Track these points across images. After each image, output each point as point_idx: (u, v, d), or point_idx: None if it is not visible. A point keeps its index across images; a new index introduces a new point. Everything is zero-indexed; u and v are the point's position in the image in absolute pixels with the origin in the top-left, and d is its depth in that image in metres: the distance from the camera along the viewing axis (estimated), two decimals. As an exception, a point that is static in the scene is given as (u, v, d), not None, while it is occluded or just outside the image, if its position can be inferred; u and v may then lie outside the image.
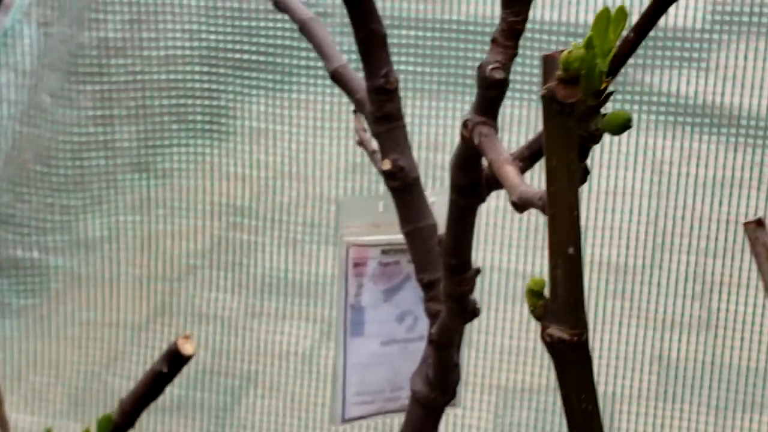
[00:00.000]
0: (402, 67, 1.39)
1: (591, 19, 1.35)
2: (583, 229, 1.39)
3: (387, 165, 0.87)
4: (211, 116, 1.44)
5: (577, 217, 0.43)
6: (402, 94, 1.39)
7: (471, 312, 0.81)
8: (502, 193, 1.47)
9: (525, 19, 0.64)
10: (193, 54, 1.40)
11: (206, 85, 1.42)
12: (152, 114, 1.43)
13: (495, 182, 0.72)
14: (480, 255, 1.44)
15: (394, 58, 1.38)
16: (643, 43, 1.29)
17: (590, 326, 1.42)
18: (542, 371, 1.45)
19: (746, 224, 0.42)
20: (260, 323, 1.51)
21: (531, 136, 0.76)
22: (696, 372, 1.40)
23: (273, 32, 1.38)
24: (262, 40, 1.38)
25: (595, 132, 0.48)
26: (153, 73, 1.41)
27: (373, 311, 0.93)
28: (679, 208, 1.37)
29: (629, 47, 0.65)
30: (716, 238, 1.36)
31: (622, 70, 1.30)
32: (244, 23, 1.38)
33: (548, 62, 0.43)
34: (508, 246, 1.44)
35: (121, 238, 1.50)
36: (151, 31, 1.39)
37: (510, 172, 0.61)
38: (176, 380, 1.53)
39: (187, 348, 0.96)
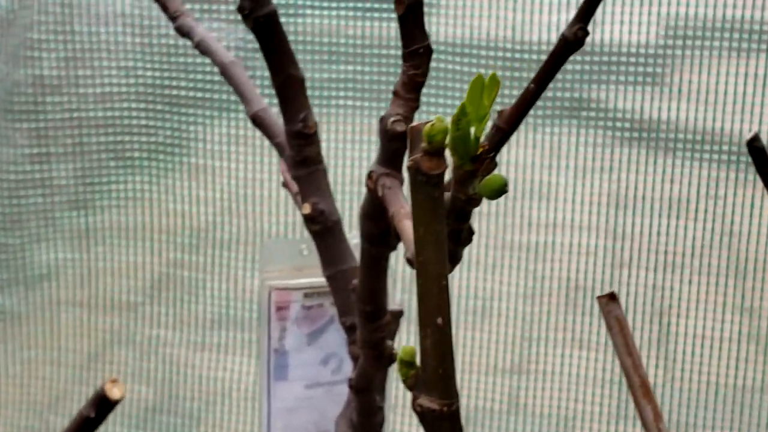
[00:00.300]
0: (341, 102, 1.39)
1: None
2: (539, 249, 1.40)
3: (307, 209, 0.87)
4: (149, 153, 1.43)
5: (446, 287, 0.43)
6: (341, 128, 1.40)
7: (388, 357, 0.80)
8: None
9: (425, 72, 0.65)
10: (129, 91, 1.40)
11: (143, 122, 1.41)
12: (89, 151, 1.42)
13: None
14: None
15: (333, 93, 1.38)
16: (598, 61, 1.30)
17: (546, 349, 1.40)
18: (495, 396, 1.45)
19: (599, 298, 0.42)
20: (203, 360, 1.50)
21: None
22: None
23: (210, 68, 1.37)
24: (199, 76, 1.38)
25: (474, 196, 0.48)
26: (89, 110, 1.40)
27: (296, 355, 0.92)
28: (636, 227, 1.37)
29: (531, 97, 0.65)
30: (674, 258, 1.37)
31: (583, 95, 1.31)
32: (180, 59, 1.38)
33: (414, 134, 0.42)
34: (469, 265, 1.44)
35: (61, 276, 1.49)
36: (87, 68, 1.38)
37: (408, 227, 0.61)
38: (119, 419, 1.52)
39: (114, 392, 0.95)
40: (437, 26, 1.35)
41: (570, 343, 1.43)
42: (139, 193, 1.45)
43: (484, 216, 1.41)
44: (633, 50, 1.31)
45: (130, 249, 1.48)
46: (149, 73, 1.39)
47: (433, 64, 1.32)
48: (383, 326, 0.77)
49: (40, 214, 1.44)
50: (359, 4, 1.35)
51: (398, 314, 0.87)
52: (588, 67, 1.32)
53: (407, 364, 0.44)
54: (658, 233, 1.37)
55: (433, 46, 1.33)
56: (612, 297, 0.42)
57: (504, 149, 1.35)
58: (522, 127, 1.34)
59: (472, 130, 0.47)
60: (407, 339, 1.47)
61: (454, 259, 0.55)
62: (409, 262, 0.59)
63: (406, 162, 0.44)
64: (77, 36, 1.37)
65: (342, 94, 1.39)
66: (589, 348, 1.43)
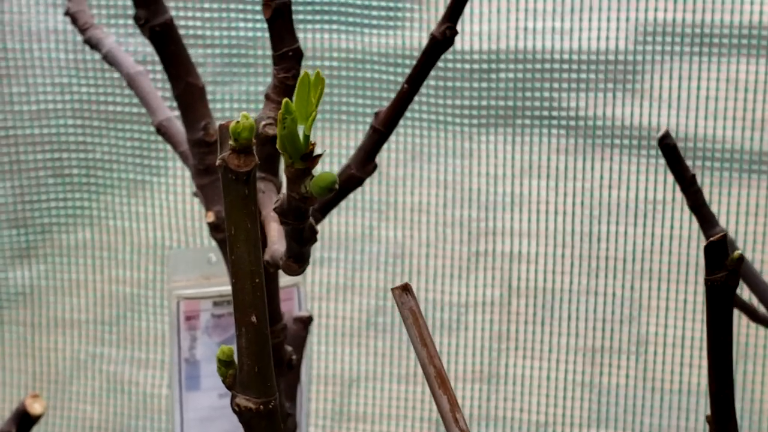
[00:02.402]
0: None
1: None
2: (511, 257, 1.39)
3: (210, 217, 0.87)
4: (87, 169, 1.43)
5: (260, 285, 0.43)
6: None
7: (287, 363, 0.80)
8: (436, 222, 1.44)
9: (296, 75, 0.65)
10: (65, 108, 1.39)
11: (80, 138, 1.41)
12: (27, 169, 1.42)
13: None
14: (414, 285, 1.44)
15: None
16: (571, 67, 1.30)
17: (527, 350, 1.40)
18: (481, 394, 1.45)
19: (393, 290, 0.42)
20: (146, 377, 1.49)
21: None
22: (629, 397, 1.40)
23: (144, 84, 1.37)
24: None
25: (306, 194, 0.47)
26: (26, 127, 1.40)
27: (208, 364, 0.92)
28: (610, 232, 1.37)
29: (404, 98, 0.66)
30: (649, 261, 1.37)
31: (555, 95, 1.32)
32: (115, 75, 1.37)
33: (222, 132, 0.42)
34: (440, 275, 1.43)
35: (2, 296, 1.48)
36: (21, 85, 1.38)
37: (273, 230, 0.61)
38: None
39: (35, 407, 0.95)
40: (410, 35, 1.35)
41: (541, 349, 1.42)
42: (78, 210, 1.45)
43: (456, 223, 1.41)
44: (606, 57, 1.31)
45: (72, 267, 1.47)
46: (84, 89, 1.39)
47: (399, 69, 1.32)
48: (278, 332, 0.77)
49: (-22, 233, 1.43)
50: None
51: (306, 320, 0.87)
52: (563, 75, 1.32)
53: (225, 364, 0.44)
54: (629, 236, 1.37)
55: (407, 52, 1.31)
56: (405, 288, 0.42)
57: (477, 158, 1.37)
58: (493, 135, 1.35)
59: (301, 128, 0.47)
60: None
61: (301, 258, 0.54)
62: (267, 264, 0.59)
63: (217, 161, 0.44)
64: (10, 53, 1.37)
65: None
66: (559, 352, 1.42)
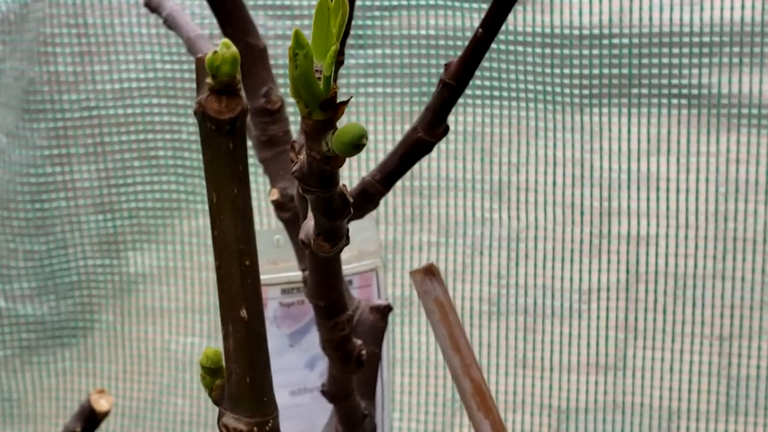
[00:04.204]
0: (370, 89, 1.29)
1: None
2: (644, 237, 1.29)
3: (275, 195, 0.78)
4: (174, 151, 1.35)
5: (252, 269, 0.32)
6: (371, 118, 1.30)
7: (357, 360, 0.70)
8: (545, 202, 1.33)
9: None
10: (149, 86, 1.32)
11: (166, 118, 1.34)
12: (112, 151, 1.35)
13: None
14: (530, 270, 1.35)
15: (361, 80, 1.29)
16: (700, 42, 1.19)
17: (651, 339, 1.30)
18: (599, 388, 1.35)
19: (413, 273, 0.31)
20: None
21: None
22: (760, 389, 1.30)
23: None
24: (221, 67, 1.30)
25: (330, 153, 0.37)
26: (109, 107, 1.33)
27: (278, 358, 0.83)
28: (739, 210, 1.27)
29: (479, 46, 0.55)
30: None
31: (675, 61, 1.21)
32: (200, 50, 1.30)
33: (199, 68, 0.32)
34: (559, 259, 1.34)
35: (91, 283, 1.42)
36: (104, 63, 1.31)
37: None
38: (156, 432, 1.43)
39: (101, 404, 0.87)
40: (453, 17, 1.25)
41: (669, 340, 1.33)
42: (166, 194, 1.38)
43: (568, 204, 1.32)
44: (736, 30, 1.20)
45: (161, 253, 1.41)
46: (168, 66, 1.32)
47: (450, 52, 1.23)
48: (342, 323, 0.67)
49: (64, 218, 1.37)
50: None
51: (384, 309, 0.78)
52: (688, 49, 1.22)
53: (211, 372, 0.34)
54: (759, 214, 1.28)
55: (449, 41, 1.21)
56: (429, 271, 0.31)
57: (590, 132, 1.26)
58: (606, 107, 1.25)
59: (320, 68, 0.36)
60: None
61: (334, 235, 0.44)
62: (303, 244, 0.50)
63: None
64: (91, 29, 1.30)
65: (371, 80, 1.29)
66: (686, 341, 1.32)
